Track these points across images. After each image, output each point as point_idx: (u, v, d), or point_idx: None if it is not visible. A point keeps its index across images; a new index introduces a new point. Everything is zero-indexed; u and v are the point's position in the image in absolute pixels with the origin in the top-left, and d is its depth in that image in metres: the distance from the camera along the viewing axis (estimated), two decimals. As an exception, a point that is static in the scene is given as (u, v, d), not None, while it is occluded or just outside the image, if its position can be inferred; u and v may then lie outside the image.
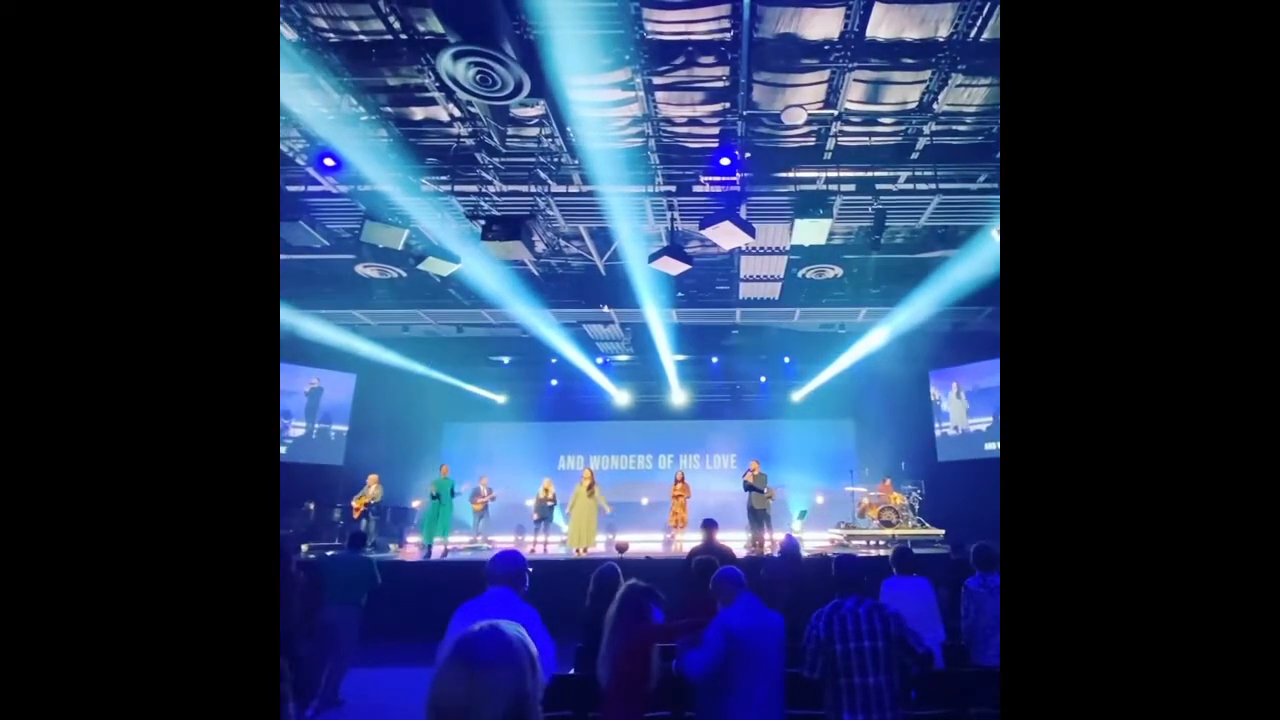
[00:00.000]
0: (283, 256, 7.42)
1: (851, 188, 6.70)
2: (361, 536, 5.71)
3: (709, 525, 4.88)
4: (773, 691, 2.53)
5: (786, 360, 12.48)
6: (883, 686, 2.51)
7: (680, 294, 9.84)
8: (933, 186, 6.66)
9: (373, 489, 9.63)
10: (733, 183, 6.39)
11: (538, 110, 5.90)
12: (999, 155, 6.23)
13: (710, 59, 5.32)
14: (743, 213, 6.70)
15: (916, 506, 10.41)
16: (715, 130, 6.24)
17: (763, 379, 13.40)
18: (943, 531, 9.65)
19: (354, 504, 9.61)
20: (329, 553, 7.77)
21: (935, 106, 5.86)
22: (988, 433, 11.42)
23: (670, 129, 6.32)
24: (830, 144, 6.45)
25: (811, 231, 6.70)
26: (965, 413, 11.92)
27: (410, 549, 10.35)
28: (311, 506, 10.32)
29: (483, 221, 6.52)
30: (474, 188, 6.75)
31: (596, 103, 5.77)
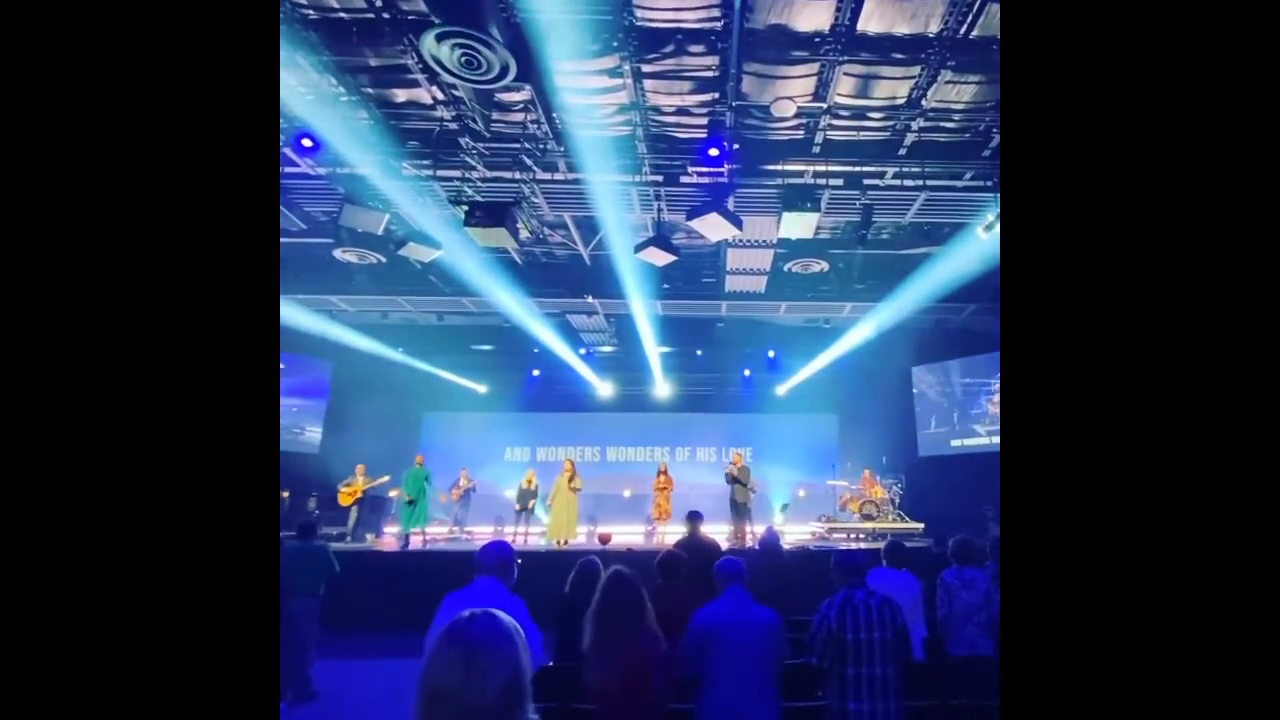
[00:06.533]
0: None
1: (839, 182, 6.70)
2: (312, 525, 5.43)
3: (694, 518, 4.84)
4: (752, 685, 2.50)
5: (771, 354, 12.52)
6: (889, 677, 2.56)
7: (666, 285, 9.79)
8: (919, 183, 6.69)
9: (361, 480, 9.49)
10: (720, 174, 6.35)
11: (523, 95, 5.79)
12: (999, 151, 6.26)
13: (700, 48, 5.25)
14: (730, 204, 6.67)
15: (897, 500, 10.54)
16: (704, 120, 6.17)
17: (747, 372, 13.44)
18: (922, 525, 9.79)
19: (342, 491, 9.44)
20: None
21: (924, 103, 5.86)
22: (951, 431, 11.62)
23: (658, 118, 6.24)
24: (819, 138, 6.43)
25: (798, 225, 6.68)
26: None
27: (387, 539, 10.23)
28: (286, 495, 10.14)
29: (466, 207, 6.40)
30: (457, 173, 6.62)
31: (584, 89, 5.67)
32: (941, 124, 6.29)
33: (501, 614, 1.05)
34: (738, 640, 2.50)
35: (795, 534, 10.72)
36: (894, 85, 5.71)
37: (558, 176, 6.74)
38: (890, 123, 6.27)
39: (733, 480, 9.11)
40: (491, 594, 2.43)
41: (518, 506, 10.15)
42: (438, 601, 2.42)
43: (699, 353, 12.75)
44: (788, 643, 2.65)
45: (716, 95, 5.83)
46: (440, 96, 5.95)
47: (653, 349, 11.62)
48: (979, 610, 3.72)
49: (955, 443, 11.56)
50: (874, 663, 2.55)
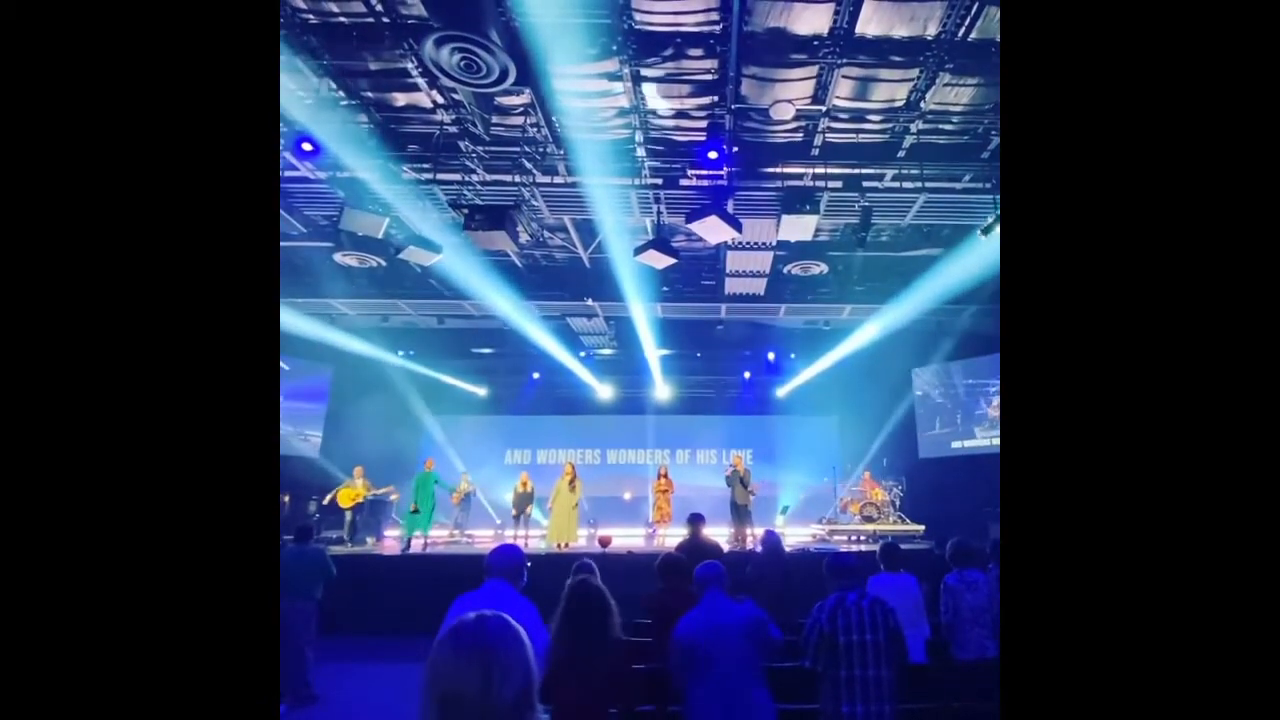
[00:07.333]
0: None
1: (838, 184, 6.70)
2: (309, 529, 5.51)
3: (695, 520, 4.84)
4: (733, 684, 2.47)
5: (771, 356, 12.52)
6: (883, 679, 2.56)
7: (665, 288, 9.79)
8: (919, 185, 6.70)
9: (360, 483, 9.45)
10: (720, 177, 6.35)
11: (523, 99, 5.79)
12: (998, 152, 6.26)
13: (699, 51, 5.26)
14: (729, 207, 6.67)
15: (898, 502, 10.52)
16: (703, 123, 6.18)
17: (747, 375, 13.43)
18: (923, 527, 9.77)
19: (339, 493, 9.40)
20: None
21: (922, 105, 5.87)
22: (953, 433, 11.60)
23: (657, 121, 6.25)
24: (818, 140, 6.43)
25: (798, 227, 6.68)
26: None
27: (389, 543, 10.21)
28: (286, 499, 10.13)
29: (465, 211, 6.41)
30: (457, 176, 6.62)
31: (583, 92, 5.69)
32: (940, 126, 6.29)
33: (507, 616, 1.05)
34: (715, 643, 2.51)
35: (796, 536, 10.70)
36: (893, 88, 5.72)
37: (557, 180, 6.74)
38: (889, 125, 6.28)
39: (738, 482, 9.11)
40: (502, 596, 2.45)
41: (514, 511, 10.12)
42: (439, 604, 2.42)
43: (699, 355, 12.75)
44: (771, 633, 2.62)
45: (715, 98, 5.84)
46: (440, 100, 5.95)
47: (652, 351, 11.62)
48: (984, 612, 3.71)
49: (956, 444, 11.54)
50: (867, 665, 2.56)
